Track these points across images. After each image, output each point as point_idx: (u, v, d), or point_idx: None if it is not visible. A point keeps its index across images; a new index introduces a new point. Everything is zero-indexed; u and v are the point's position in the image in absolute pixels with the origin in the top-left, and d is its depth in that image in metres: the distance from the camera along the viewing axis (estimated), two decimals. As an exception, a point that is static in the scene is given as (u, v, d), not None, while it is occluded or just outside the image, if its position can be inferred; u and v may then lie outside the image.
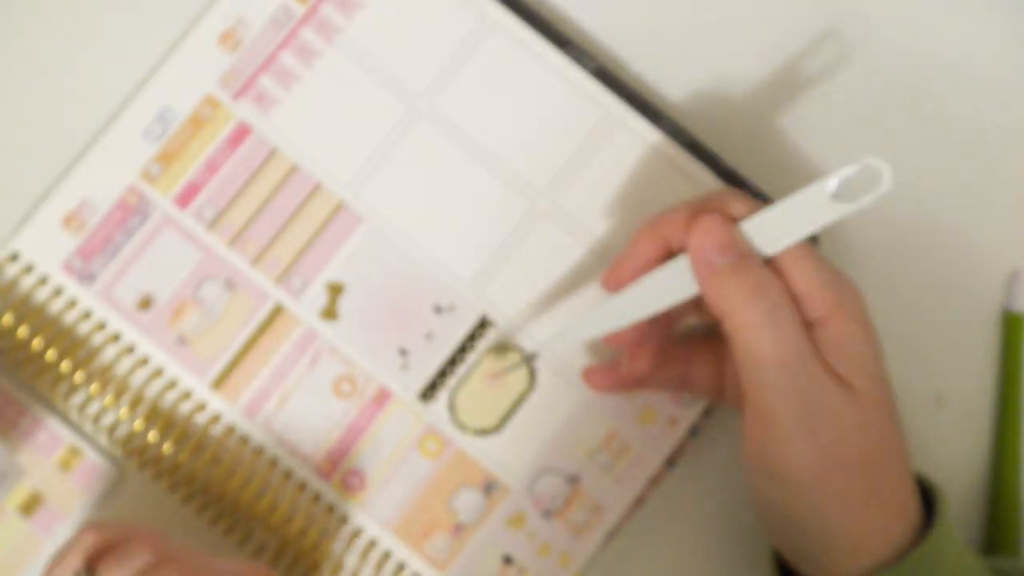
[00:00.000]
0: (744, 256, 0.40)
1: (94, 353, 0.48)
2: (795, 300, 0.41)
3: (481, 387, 0.48)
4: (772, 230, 0.41)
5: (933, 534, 0.41)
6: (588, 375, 0.47)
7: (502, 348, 0.48)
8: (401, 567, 0.48)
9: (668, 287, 0.42)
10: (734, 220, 0.42)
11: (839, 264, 0.49)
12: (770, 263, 0.41)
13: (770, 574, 0.46)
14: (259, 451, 0.48)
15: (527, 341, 0.48)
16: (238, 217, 0.48)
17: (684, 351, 0.46)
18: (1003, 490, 0.50)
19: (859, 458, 0.40)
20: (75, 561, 0.41)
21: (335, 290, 0.48)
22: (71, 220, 0.48)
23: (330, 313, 0.48)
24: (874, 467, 0.41)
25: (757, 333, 0.40)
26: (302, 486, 0.48)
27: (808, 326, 0.41)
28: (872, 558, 0.41)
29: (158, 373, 0.48)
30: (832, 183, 0.41)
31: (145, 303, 0.48)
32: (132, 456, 0.48)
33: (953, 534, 0.42)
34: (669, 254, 0.43)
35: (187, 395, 0.48)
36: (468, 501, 0.48)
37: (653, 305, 0.42)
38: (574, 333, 0.44)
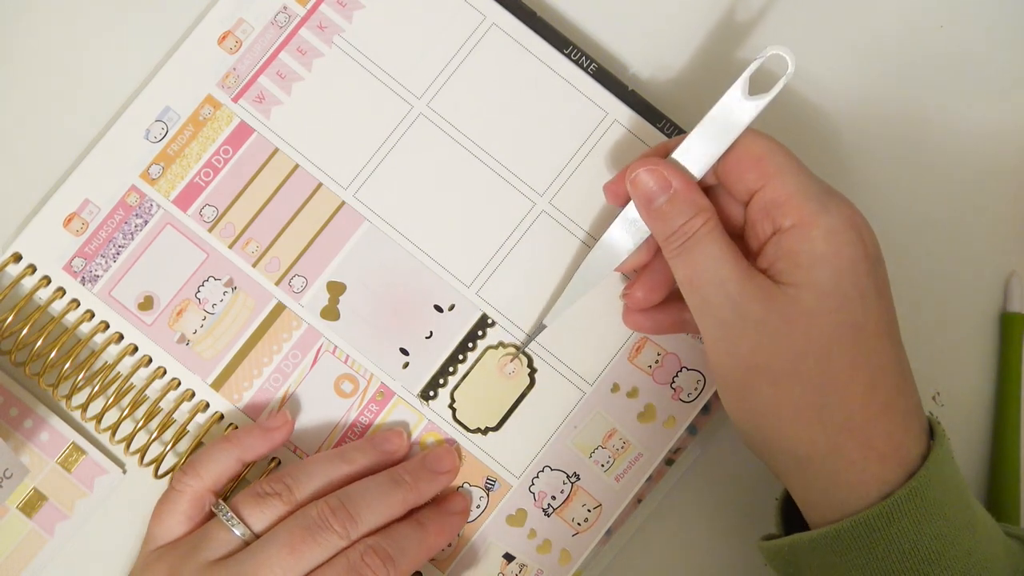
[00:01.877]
0: (671, 196, 0.43)
1: (96, 353, 0.48)
2: (774, 207, 0.42)
3: (481, 386, 0.48)
4: (706, 147, 0.43)
5: (912, 483, 0.40)
6: (626, 316, 0.48)
7: (505, 345, 0.48)
8: (402, 565, 0.48)
9: (629, 232, 0.45)
10: (668, 154, 0.44)
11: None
12: (755, 177, 0.42)
13: (776, 509, 0.46)
14: (261, 450, 0.48)
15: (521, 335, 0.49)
16: (239, 218, 0.49)
17: None
18: (1001, 489, 0.50)
19: (784, 366, 0.41)
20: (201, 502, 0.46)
21: (336, 290, 0.49)
22: (72, 221, 0.48)
23: (331, 313, 0.49)
24: (808, 379, 0.41)
25: (673, 261, 0.43)
26: (304, 485, 0.48)
27: (779, 232, 0.42)
28: (843, 492, 0.41)
29: (160, 373, 0.48)
30: (742, 83, 0.43)
31: (147, 303, 0.48)
32: (134, 455, 0.48)
33: (951, 484, 0.41)
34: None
35: (189, 395, 0.48)
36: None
37: (620, 253, 0.45)
38: (566, 300, 0.46)
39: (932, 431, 0.43)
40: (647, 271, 0.46)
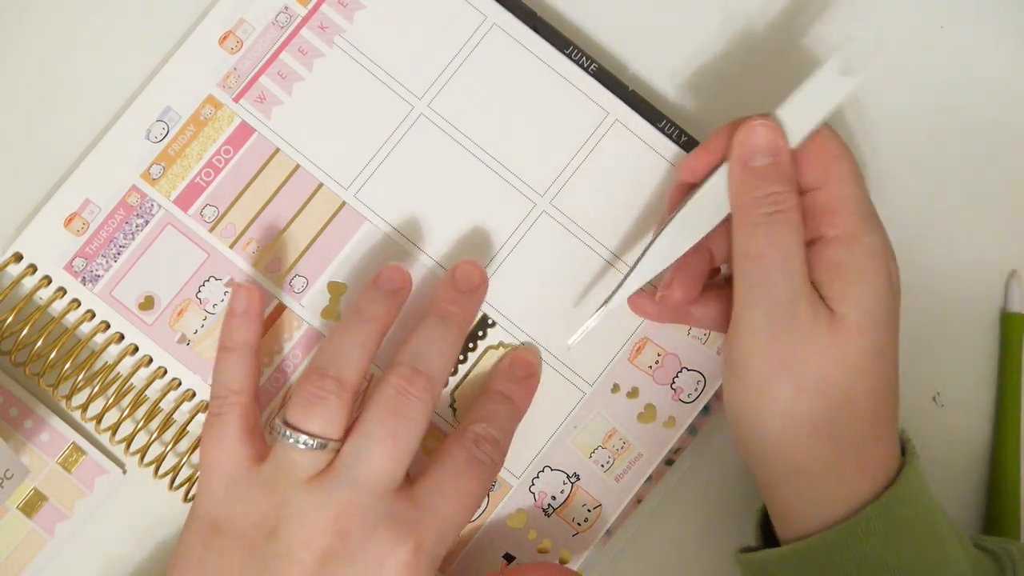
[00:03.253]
0: (775, 161, 0.42)
1: (96, 353, 0.48)
2: (823, 213, 0.42)
3: (482, 386, 0.48)
4: (797, 122, 0.42)
5: (882, 499, 0.41)
6: (633, 301, 0.47)
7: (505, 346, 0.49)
8: (403, 565, 0.48)
9: (706, 211, 0.44)
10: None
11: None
12: (817, 174, 0.42)
13: (756, 520, 0.46)
14: (261, 450, 0.48)
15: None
16: (240, 218, 0.49)
17: (727, 291, 0.45)
18: (1002, 490, 0.50)
19: (814, 375, 0.41)
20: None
21: (337, 290, 0.49)
22: (73, 221, 0.48)
23: (332, 313, 0.49)
24: (832, 394, 0.41)
25: (749, 229, 0.42)
26: (304, 485, 0.48)
27: (821, 241, 0.42)
28: (826, 509, 0.41)
29: (160, 373, 0.48)
30: (838, 60, 0.42)
31: (147, 303, 0.48)
32: (134, 456, 0.48)
33: (920, 500, 0.42)
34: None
35: (189, 395, 0.48)
36: (469, 499, 0.48)
37: (695, 232, 0.44)
38: (635, 278, 0.45)
39: (903, 447, 0.43)
40: (682, 268, 0.45)
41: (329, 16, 0.49)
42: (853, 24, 0.51)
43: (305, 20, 0.49)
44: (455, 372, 0.48)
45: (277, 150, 0.49)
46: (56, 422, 0.49)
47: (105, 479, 0.49)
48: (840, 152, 0.42)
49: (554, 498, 0.48)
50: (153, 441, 0.48)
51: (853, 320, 0.40)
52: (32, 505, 0.48)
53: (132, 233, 0.48)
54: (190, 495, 0.48)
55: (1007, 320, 0.50)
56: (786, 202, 0.41)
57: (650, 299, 0.46)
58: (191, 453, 0.48)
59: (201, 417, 0.48)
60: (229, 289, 0.48)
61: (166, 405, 0.48)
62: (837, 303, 0.41)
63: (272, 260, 0.49)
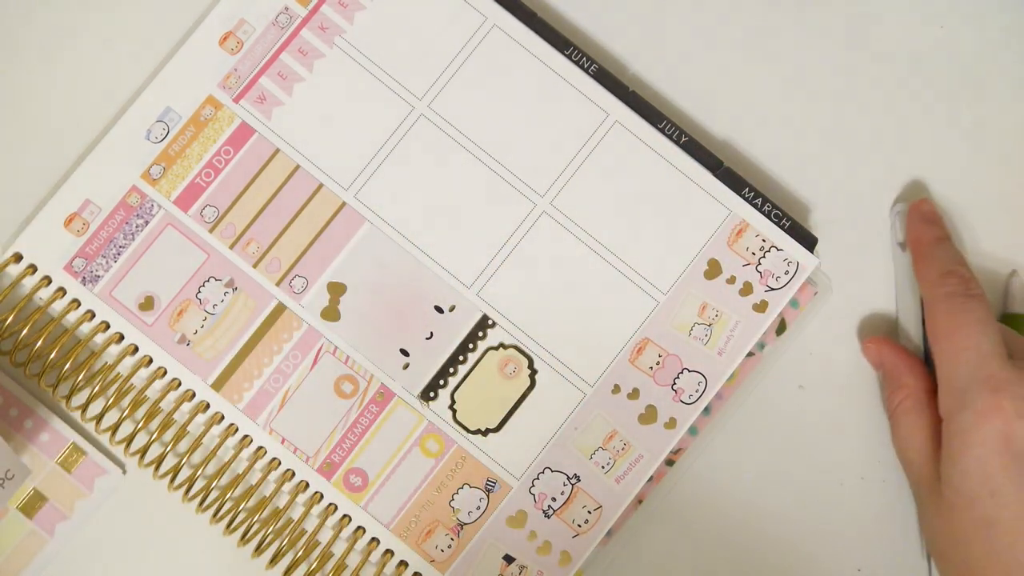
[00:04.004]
0: (883, 372, 0.49)
1: (96, 353, 0.48)
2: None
3: (482, 387, 0.48)
4: (910, 309, 0.49)
5: None
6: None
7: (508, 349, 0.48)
8: (402, 566, 0.48)
9: None
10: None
11: (832, 268, 0.49)
12: (935, 354, 0.46)
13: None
14: (261, 451, 0.48)
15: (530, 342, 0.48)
16: (240, 218, 0.49)
17: None
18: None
19: (939, 549, 0.46)
20: None
21: (336, 290, 0.49)
22: (73, 221, 0.49)
23: (331, 313, 0.49)
24: (954, 565, 0.45)
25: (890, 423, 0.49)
26: (304, 486, 0.48)
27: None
28: None
29: (160, 373, 0.48)
30: (895, 240, 0.50)
31: (147, 304, 0.48)
32: (134, 456, 0.48)
33: None
34: None
35: (189, 395, 0.48)
36: (469, 500, 0.48)
37: None
38: None
39: None
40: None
41: (329, 17, 0.49)
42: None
43: (305, 21, 0.49)
44: (455, 373, 0.48)
45: (277, 151, 0.49)
46: (56, 422, 0.49)
47: (105, 479, 0.49)
48: (938, 330, 0.45)
49: (554, 499, 0.48)
50: (153, 441, 0.48)
51: (949, 498, 0.44)
52: (32, 505, 0.49)
53: (132, 233, 0.49)
54: (190, 494, 0.48)
55: (1007, 320, 0.50)
56: (892, 402, 0.47)
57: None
58: (191, 453, 0.48)
59: (201, 417, 0.48)
60: (229, 289, 0.48)
61: (166, 405, 0.48)
62: (940, 483, 0.45)
63: (272, 260, 0.49)
